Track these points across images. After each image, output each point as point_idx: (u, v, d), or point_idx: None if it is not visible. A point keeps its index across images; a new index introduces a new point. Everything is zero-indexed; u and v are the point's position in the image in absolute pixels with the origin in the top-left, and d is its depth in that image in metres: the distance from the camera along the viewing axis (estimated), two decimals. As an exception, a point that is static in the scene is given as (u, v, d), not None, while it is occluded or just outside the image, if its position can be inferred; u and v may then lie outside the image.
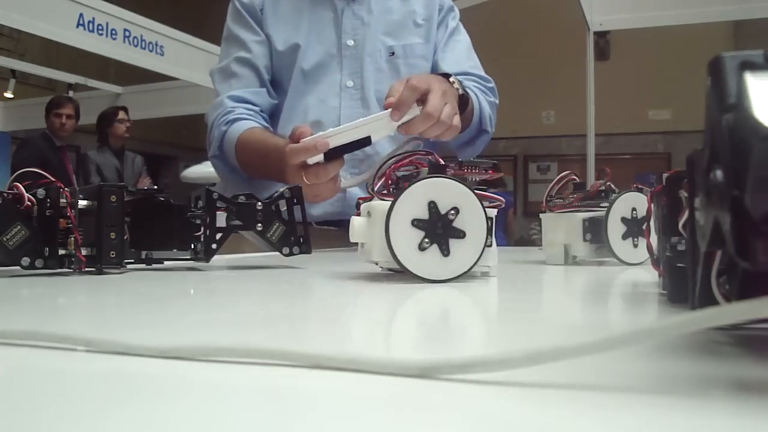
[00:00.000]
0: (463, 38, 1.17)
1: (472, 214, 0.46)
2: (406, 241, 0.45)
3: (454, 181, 0.46)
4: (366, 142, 0.71)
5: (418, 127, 0.77)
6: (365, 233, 0.48)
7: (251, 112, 1.05)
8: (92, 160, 3.67)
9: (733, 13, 2.93)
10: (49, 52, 5.05)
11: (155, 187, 0.63)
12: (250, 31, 1.10)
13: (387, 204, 0.46)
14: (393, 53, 1.11)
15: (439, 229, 0.45)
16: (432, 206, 0.45)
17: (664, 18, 2.86)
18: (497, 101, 1.13)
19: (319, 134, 0.72)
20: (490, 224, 0.48)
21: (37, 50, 5.12)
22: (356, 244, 0.50)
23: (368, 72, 1.09)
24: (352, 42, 1.09)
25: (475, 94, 1.04)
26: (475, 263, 0.46)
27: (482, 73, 1.15)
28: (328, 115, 1.07)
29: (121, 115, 3.76)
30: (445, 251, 0.45)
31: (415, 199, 0.45)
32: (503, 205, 0.54)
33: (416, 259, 0.45)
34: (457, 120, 0.84)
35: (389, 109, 0.74)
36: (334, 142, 0.71)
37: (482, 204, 0.46)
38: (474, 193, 0.46)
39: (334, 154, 0.72)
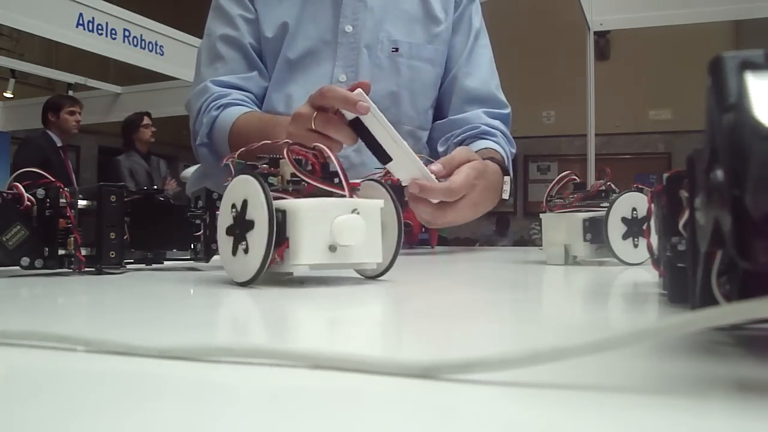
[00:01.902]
0: (487, 43, 1.07)
1: (257, 203, 0.42)
2: (224, 248, 0.44)
3: (242, 176, 0.44)
4: (385, 158, 0.62)
5: (434, 197, 0.69)
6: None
7: (246, 99, 0.96)
8: (124, 165, 3.73)
9: (733, 13, 2.93)
10: (49, 52, 5.06)
11: (180, 188, 0.63)
12: (238, 4, 1.00)
13: (376, 202, 0.45)
14: (396, 49, 0.99)
15: (237, 228, 0.43)
16: (233, 208, 0.44)
17: (664, 18, 2.86)
18: (515, 149, 1.04)
19: (372, 104, 0.62)
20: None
21: (36, 50, 5.12)
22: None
23: (365, 67, 0.98)
24: (351, 28, 0.98)
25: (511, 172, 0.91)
26: (267, 257, 0.41)
27: (503, 96, 1.06)
28: None
29: (146, 120, 3.87)
30: (245, 248, 0.43)
31: (225, 207, 0.44)
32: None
33: (231, 264, 0.44)
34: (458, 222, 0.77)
35: (432, 166, 0.68)
36: (372, 122, 0.60)
37: (265, 192, 0.41)
38: (258, 182, 0.42)
39: (357, 131, 0.62)
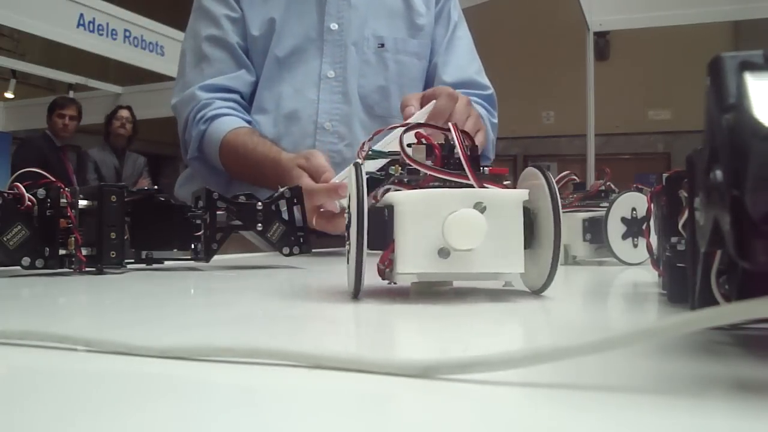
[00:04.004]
0: (465, 34, 1.09)
1: (351, 194, 0.35)
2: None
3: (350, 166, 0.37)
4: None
5: (446, 111, 0.76)
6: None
7: (230, 103, 0.96)
8: (91, 157, 3.70)
9: (733, 13, 2.93)
10: (50, 52, 5.05)
11: (155, 187, 0.63)
12: (223, 4, 0.99)
13: (515, 193, 0.35)
14: (382, 45, 1.01)
15: (348, 226, 0.37)
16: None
17: (664, 18, 2.86)
18: (497, 120, 1.05)
19: (343, 174, 0.62)
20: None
21: (37, 50, 5.12)
22: None
23: (352, 63, 0.99)
24: (336, 26, 0.99)
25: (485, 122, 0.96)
26: (361, 262, 0.34)
27: (484, 79, 1.08)
28: (305, 108, 0.98)
29: (121, 113, 3.75)
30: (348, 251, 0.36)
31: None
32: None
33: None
34: (480, 136, 0.83)
35: (409, 110, 0.72)
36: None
37: (358, 178, 0.34)
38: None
39: None
